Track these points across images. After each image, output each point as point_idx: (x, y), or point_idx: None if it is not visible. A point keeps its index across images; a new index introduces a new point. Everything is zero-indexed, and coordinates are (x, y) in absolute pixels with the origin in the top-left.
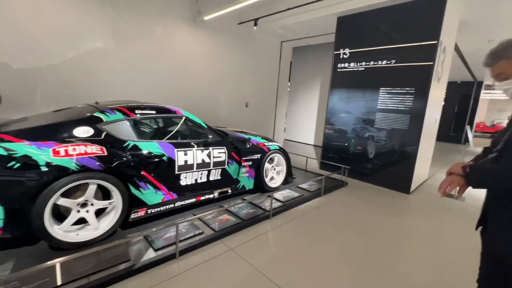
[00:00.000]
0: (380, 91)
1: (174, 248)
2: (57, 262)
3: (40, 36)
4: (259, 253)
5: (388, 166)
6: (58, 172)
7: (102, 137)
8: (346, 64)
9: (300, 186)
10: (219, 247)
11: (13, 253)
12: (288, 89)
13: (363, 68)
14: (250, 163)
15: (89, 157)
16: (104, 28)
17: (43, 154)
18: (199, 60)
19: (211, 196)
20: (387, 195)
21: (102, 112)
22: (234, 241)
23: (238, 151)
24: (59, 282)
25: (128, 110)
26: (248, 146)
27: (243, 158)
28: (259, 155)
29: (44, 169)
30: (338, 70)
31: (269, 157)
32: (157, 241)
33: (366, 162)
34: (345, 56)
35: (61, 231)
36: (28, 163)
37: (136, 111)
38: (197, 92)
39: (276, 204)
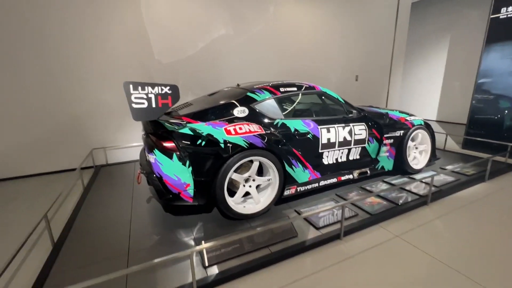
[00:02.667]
0: None
1: (337, 228)
2: (245, 234)
3: (179, 32)
4: (434, 243)
5: None
6: (233, 149)
7: (256, 116)
8: None
9: (449, 168)
10: (381, 232)
11: (196, 219)
12: None
13: None
14: (391, 141)
15: (253, 135)
16: (225, 15)
17: (219, 133)
18: (307, 35)
19: (351, 176)
20: None
21: (253, 92)
22: (396, 227)
23: (379, 127)
24: (247, 249)
25: (273, 88)
26: (388, 121)
27: (385, 136)
28: (401, 132)
29: (222, 146)
30: (502, 17)
31: (412, 134)
32: (315, 219)
33: None
34: None
35: (233, 203)
36: (211, 140)
37: (281, 89)
38: (307, 68)
39: (427, 189)
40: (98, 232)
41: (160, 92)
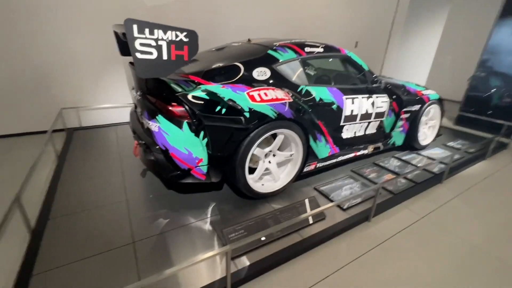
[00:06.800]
0: None
1: (364, 209)
2: (271, 218)
3: None
4: (458, 223)
5: None
6: (260, 119)
7: (278, 80)
8: None
9: (449, 145)
10: (406, 214)
11: (204, 195)
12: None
13: None
14: (408, 115)
15: (281, 103)
16: None
17: (242, 98)
18: None
19: (366, 151)
20: None
21: (274, 50)
22: (419, 207)
23: (399, 100)
24: (276, 235)
25: (298, 47)
26: (406, 94)
27: (403, 110)
28: (418, 106)
29: (247, 115)
30: None
31: (427, 109)
32: (337, 197)
33: None
34: None
35: (252, 181)
36: (234, 108)
37: (306, 49)
38: (306, 29)
39: (436, 166)
40: (86, 215)
41: (174, 39)
